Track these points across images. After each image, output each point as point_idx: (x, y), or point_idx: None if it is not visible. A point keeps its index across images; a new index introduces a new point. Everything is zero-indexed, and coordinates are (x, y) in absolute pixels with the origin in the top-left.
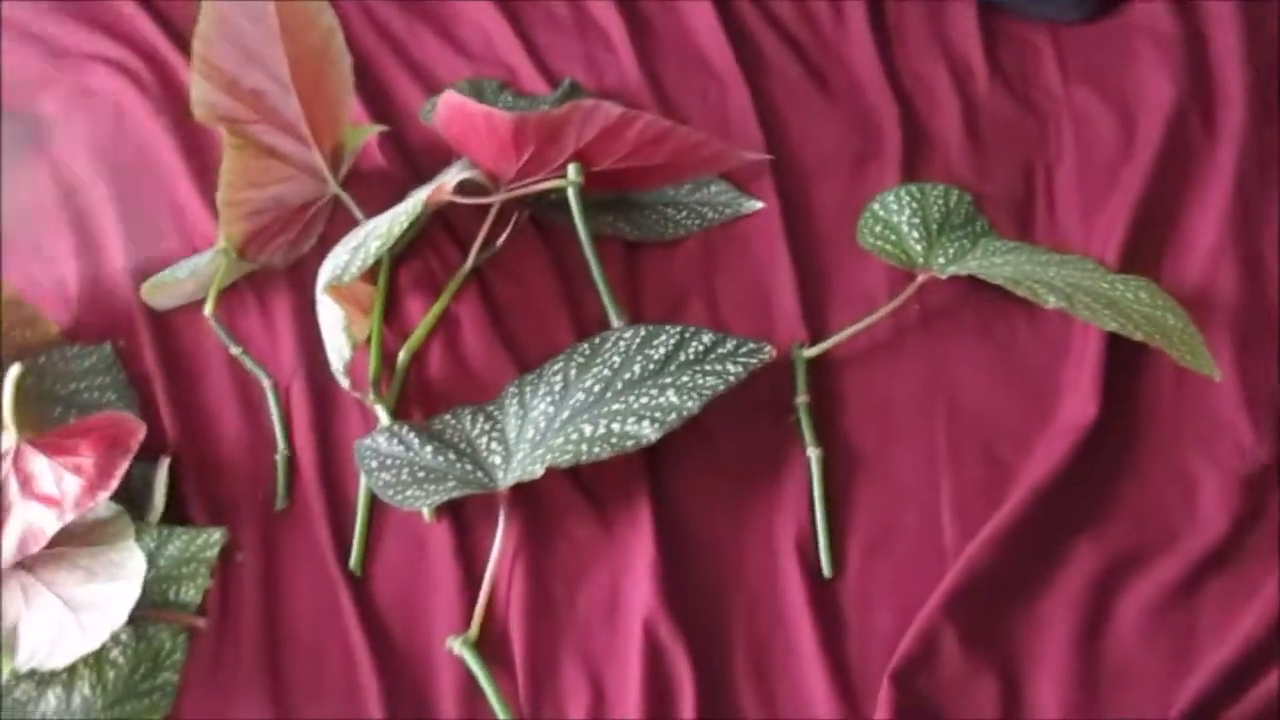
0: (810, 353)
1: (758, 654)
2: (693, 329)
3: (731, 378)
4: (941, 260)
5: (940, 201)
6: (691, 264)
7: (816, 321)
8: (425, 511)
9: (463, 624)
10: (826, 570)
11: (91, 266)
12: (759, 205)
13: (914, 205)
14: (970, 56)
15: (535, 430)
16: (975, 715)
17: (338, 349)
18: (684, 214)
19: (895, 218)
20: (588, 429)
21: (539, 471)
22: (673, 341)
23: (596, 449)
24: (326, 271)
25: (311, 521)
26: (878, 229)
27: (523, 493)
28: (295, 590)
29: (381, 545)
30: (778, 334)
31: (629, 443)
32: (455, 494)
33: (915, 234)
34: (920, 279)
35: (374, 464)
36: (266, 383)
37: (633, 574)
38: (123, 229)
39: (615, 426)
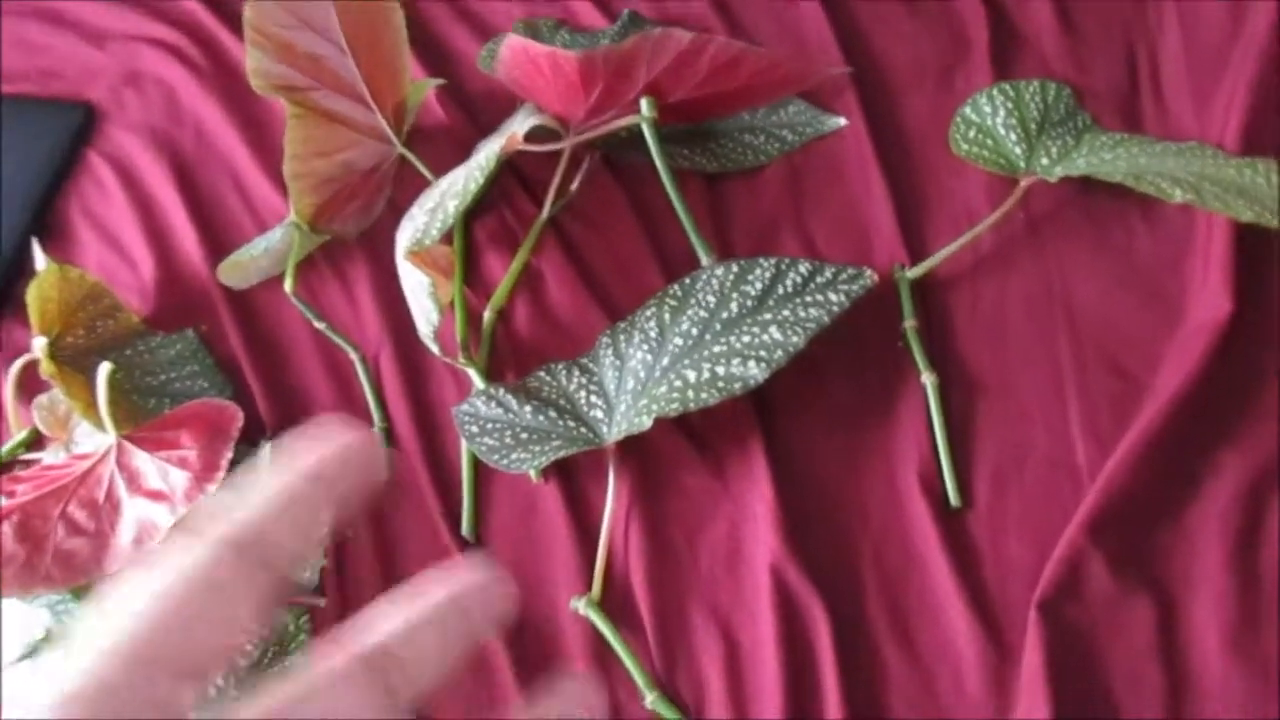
0: (913, 274)
1: (891, 592)
2: (788, 260)
3: (835, 308)
4: (1045, 161)
5: (1037, 98)
6: (778, 192)
7: (916, 241)
8: (532, 472)
9: (582, 582)
10: (954, 500)
11: (163, 253)
12: (841, 123)
13: (1009, 105)
14: None
15: (635, 381)
16: (1129, 641)
17: (425, 314)
18: (762, 139)
19: (990, 120)
20: (691, 375)
21: (647, 423)
22: (768, 275)
23: (704, 395)
24: (405, 236)
25: (418, 491)
26: (972, 134)
27: (630, 446)
28: (411, 561)
29: (491, 509)
30: (876, 257)
31: (736, 385)
32: (561, 453)
33: (1013, 136)
34: (1024, 184)
35: (474, 429)
36: (354, 355)
37: (752, 520)
38: (189, 212)
39: (720, 370)
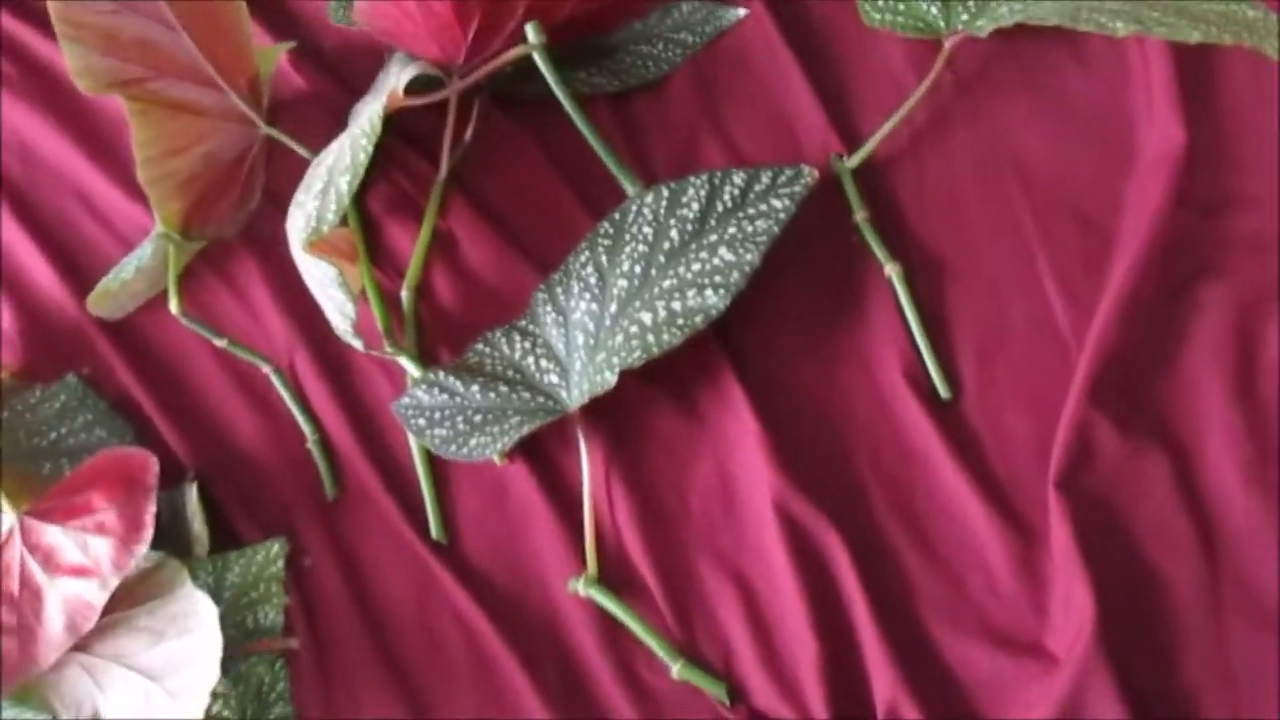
0: (853, 162)
1: (900, 499)
2: (720, 173)
3: (782, 214)
4: (965, 16)
5: None
6: (690, 101)
7: (846, 125)
8: (495, 456)
9: (574, 561)
10: (943, 392)
11: (17, 295)
12: (741, 13)
13: None
14: None
15: (585, 335)
16: (1151, 499)
17: (338, 307)
18: (661, 46)
19: None
20: (647, 317)
21: (611, 380)
22: (703, 193)
23: (665, 336)
24: (298, 227)
25: (373, 501)
26: (881, 1)
27: (594, 404)
28: (384, 578)
29: (458, 504)
30: (809, 151)
31: (698, 318)
32: (525, 429)
33: None
34: (949, 44)
35: (421, 422)
36: (266, 367)
37: (741, 456)
38: (37, 243)
39: (676, 305)
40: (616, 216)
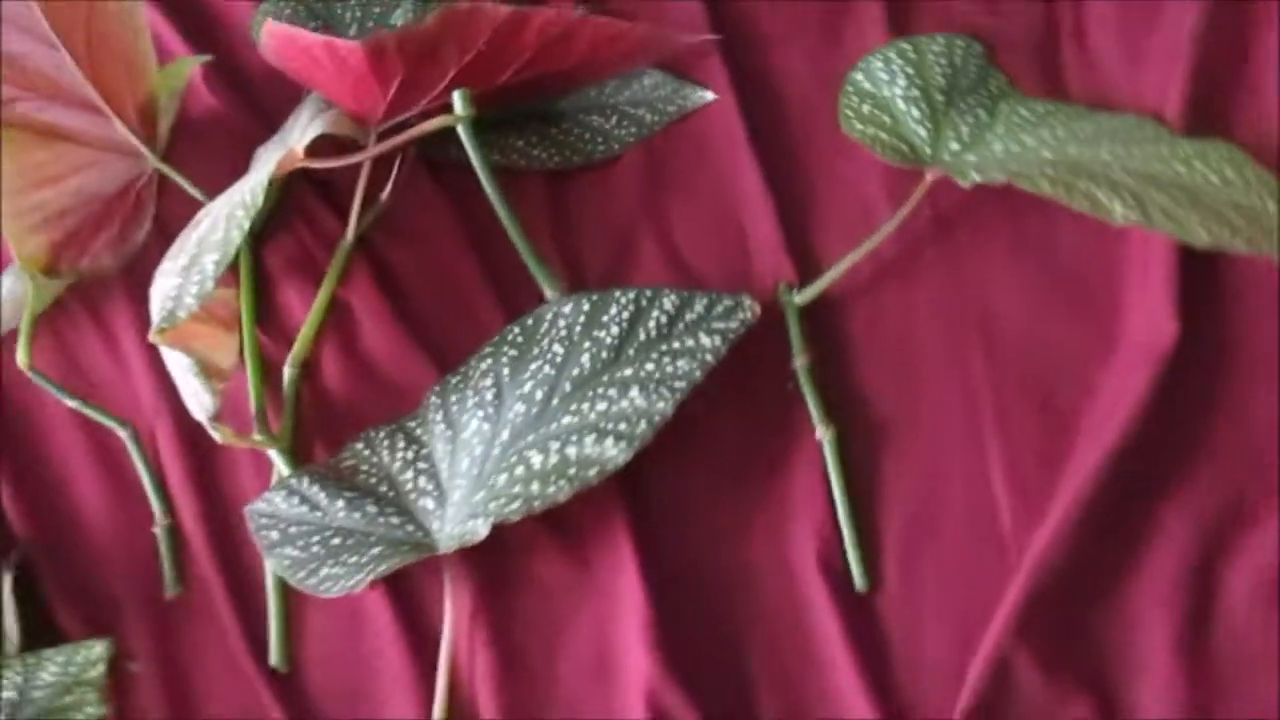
0: (803, 298)
1: (789, 706)
2: (650, 292)
3: (708, 355)
4: (955, 146)
5: (943, 60)
6: (634, 187)
7: (803, 247)
8: (348, 591)
9: (422, 711)
10: (859, 584)
11: None
12: (709, 97)
13: (909, 71)
14: None
15: (470, 460)
16: None
17: (196, 398)
18: (614, 121)
19: (887, 90)
20: (536, 459)
21: (482, 531)
22: (627, 314)
23: (551, 488)
24: (156, 307)
25: (214, 608)
26: (866, 110)
27: None
28: (211, 701)
29: (306, 628)
30: (756, 271)
31: (592, 471)
32: (383, 567)
33: (915, 112)
34: (930, 179)
35: (274, 536)
36: (123, 432)
37: (621, 623)
38: None
39: (571, 451)
40: (529, 323)
